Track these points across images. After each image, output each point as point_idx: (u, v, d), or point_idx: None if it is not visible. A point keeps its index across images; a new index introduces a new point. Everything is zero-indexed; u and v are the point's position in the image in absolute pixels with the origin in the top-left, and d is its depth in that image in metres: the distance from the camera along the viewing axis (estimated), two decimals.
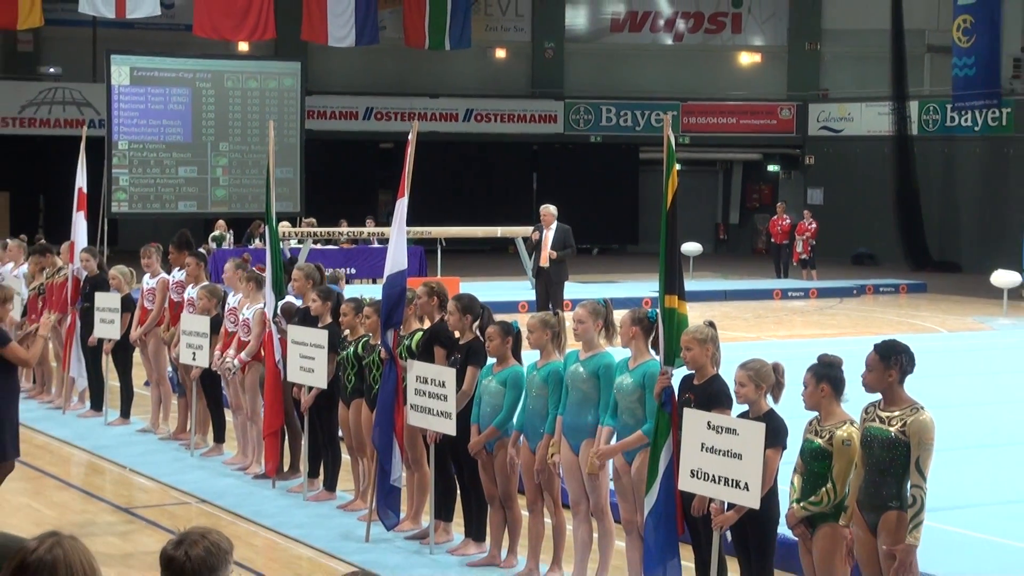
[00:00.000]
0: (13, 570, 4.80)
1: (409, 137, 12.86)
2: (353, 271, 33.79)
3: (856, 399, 8.97)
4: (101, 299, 17.78)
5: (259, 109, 39.83)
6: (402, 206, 12.80)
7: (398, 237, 12.82)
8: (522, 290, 29.72)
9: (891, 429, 8.49)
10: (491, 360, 11.69)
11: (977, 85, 40.23)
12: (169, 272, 17.50)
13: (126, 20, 36.44)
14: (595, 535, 11.20)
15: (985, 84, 40.09)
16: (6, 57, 40.94)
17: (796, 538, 9.17)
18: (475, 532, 12.22)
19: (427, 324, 12.73)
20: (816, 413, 8.94)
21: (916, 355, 8.84)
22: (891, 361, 8.64)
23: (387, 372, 12.44)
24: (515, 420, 11.40)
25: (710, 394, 9.68)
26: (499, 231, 34.44)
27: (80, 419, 18.27)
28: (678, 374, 10.06)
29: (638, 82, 44.99)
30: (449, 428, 11.62)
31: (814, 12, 45.47)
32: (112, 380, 18.42)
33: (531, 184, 43.25)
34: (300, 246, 32.44)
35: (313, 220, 36.04)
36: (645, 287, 30.00)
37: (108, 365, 18.36)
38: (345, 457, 14.11)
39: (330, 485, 14.20)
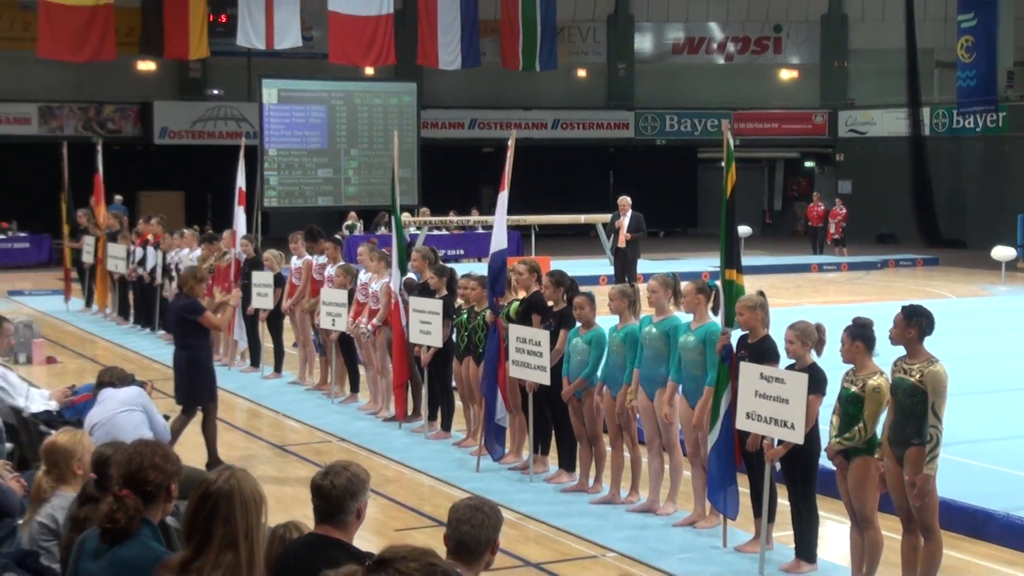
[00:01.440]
0: (198, 497, 4.81)
1: (509, 143, 13.02)
2: (461, 252, 33.88)
3: (886, 354, 8.90)
4: (257, 277, 17.92)
5: (382, 121, 39.94)
6: (503, 198, 12.98)
7: (499, 222, 12.97)
8: (602, 266, 29.69)
9: (912, 379, 8.48)
10: (578, 324, 11.71)
11: (977, 94, 39.79)
12: (311, 255, 17.63)
13: (274, 50, 36.62)
14: (666, 467, 11.21)
15: (984, 93, 39.65)
16: (180, 82, 41.26)
17: (834, 468, 9.11)
18: (567, 464, 12.26)
19: (522, 295, 12.75)
20: (852, 365, 8.90)
21: (931, 318, 8.78)
22: (912, 321, 8.64)
23: (491, 332, 12.53)
24: (599, 373, 11.50)
25: (762, 351, 9.73)
26: (582, 218, 34.45)
27: (242, 374, 18.40)
28: (735, 334, 10.08)
29: (695, 95, 44.79)
30: (544, 379, 11.67)
31: (842, 35, 45.07)
32: (267, 342, 18.57)
33: (608, 180, 43.07)
34: (418, 232, 32.45)
35: (427, 210, 36.13)
36: (704, 263, 29.82)
37: (264, 330, 18.51)
38: (458, 404, 14.12)
39: (446, 426, 14.23)
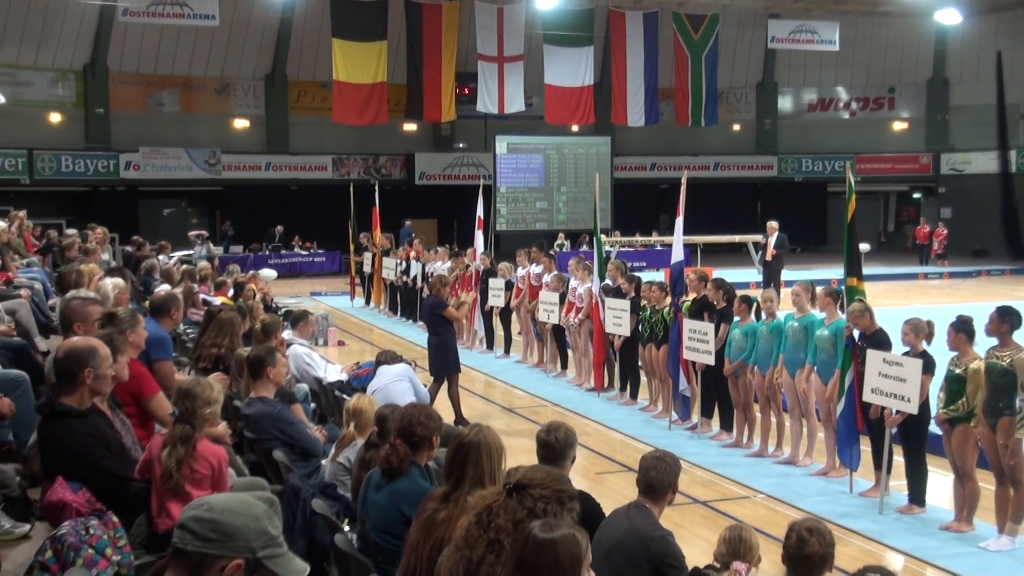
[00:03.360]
0: (455, 447, 4.86)
1: (682, 181, 12.87)
2: (644, 264, 33.66)
3: (981, 344, 8.70)
4: (493, 282, 18.09)
5: (584, 166, 39.95)
6: (679, 222, 12.84)
7: (677, 241, 12.94)
8: (751, 275, 29.22)
9: (1003, 363, 8.31)
10: (736, 318, 11.63)
11: None
12: (531, 264, 17.75)
13: (504, 114, 36.91)
14: (804, 429, 11.03)
15: None
16: (434, 139, 41.78)
17: (941, 432, 8.93)
18: (726, 425, 12.16)
19: (693, 296, 12.66)
20: (956, 352, 8.77)
21: (1020, 316, 8.60)
22: (1005, 318, 8.50)
23: (674, 324, 12.46)
24: (752, 356, 11.38)
25: (877, 340, 9.60)
26: (737, 238, 34.00)
27: (480, 355, 18.55)
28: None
29: (825, 143, 43.81)
30: (710, 361, 11.67)
31: (944, 94, 43.59)
32: (499, 331, 18.71)
33: (756, 208, 42.23)
34: (612, 249, 32.32)
35: (618, 232, 36.08)
36: (832, 272, 28.93)
37: (497, 322, 18.65)
38: (642, 379, 14.04)
39: (633, 395, 14.21)
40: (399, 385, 9.50)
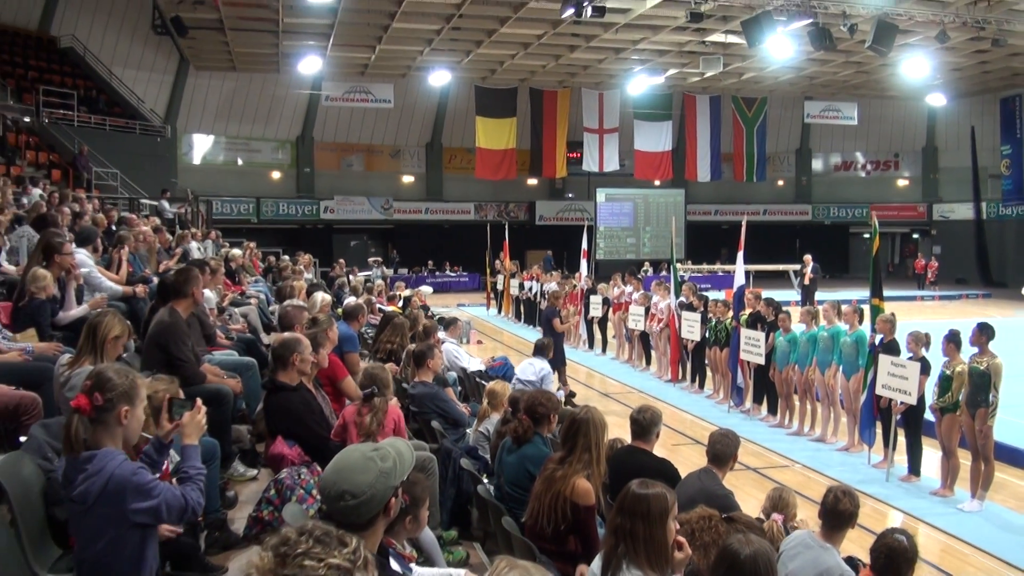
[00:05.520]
0: (569, 422, 4.82)
1: (742, 224, 12.94)
2: (709, 286, 33.10)
3: (968, 352, 8.45)
4: (593, 299, 18.01)
5: (664, 211, 39.50)
6: (741, 255, 12.73)
7: (739, 269, 12.88)
8: (791, 295, 28.42)
9: (981, 367, 8.17)
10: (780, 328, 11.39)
11: (1013, 196, 36.79)
12: (624, 285, 17.64)
13: (603, 172, 36.86)
14: (831, 414, 10.76)
15: (1017, 194, 36.61)
16: (550, 190, 41.71)
17: (933, 419, 8.69)
18: (772, 410, 11.95)
19: (749, 311, 12.44)
20: (947, 358, 8.55)
21: (994, 330, 8.45)
22: (984, 332, 8.36)
23: (734, 332, 12.33)
24: (792, 358, 11.14)
25: (890, 348, 9.39)
26: (780, 267, 33.27)
27: (583, 353, 18.35)
28: (877, 337, 9.67)
29: (848, 194, 42.69)
30: (760, 360, 11.51)
31: (934, 159, 42.35)
32: (597, 335, 18.54)
33: (795, 244, 41.21)
34: (685, 274, 31.84)
35: (690, 261, 35.66)
36: (854, 293, 28.04)
37: (596, 328, 18.47)
38: (708, 374, 13.84)
39: (701, 386, 14.04)
40: (531, 376, 9.64)
